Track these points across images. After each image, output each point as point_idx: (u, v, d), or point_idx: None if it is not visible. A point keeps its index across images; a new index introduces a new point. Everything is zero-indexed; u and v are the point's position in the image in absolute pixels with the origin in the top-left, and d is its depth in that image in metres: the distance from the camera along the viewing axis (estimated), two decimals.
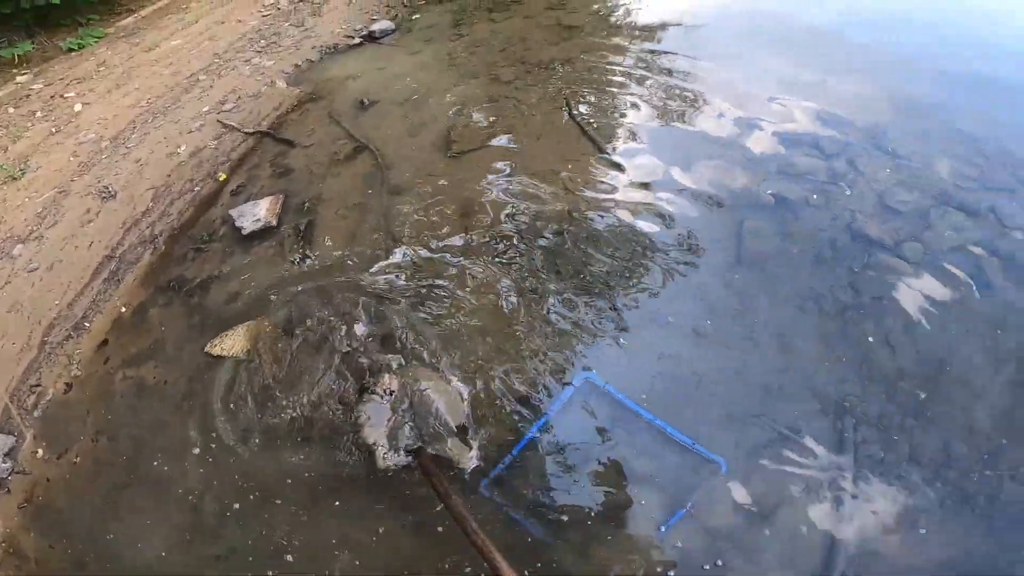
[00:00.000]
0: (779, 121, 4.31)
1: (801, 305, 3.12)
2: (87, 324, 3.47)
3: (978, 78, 4.79)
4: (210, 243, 3.89)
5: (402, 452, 2.58)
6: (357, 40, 6.22)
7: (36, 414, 3.06)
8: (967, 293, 3.16)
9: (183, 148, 4.76)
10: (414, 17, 6.74)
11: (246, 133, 4.89)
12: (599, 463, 2.61)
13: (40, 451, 2.91)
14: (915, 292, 3.15)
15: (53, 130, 4.93)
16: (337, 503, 2.56)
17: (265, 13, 6.98)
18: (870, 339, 2.96)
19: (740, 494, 2.52)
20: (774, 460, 2.61)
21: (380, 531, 2.48)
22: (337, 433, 2.75)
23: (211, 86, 5.54)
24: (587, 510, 2.49)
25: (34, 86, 5.58)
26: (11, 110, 5.28)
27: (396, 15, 6.84)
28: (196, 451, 2.78)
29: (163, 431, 2.89)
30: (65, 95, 5.41)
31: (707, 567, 2.33)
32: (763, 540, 2.40)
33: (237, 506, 2.59)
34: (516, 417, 2.75)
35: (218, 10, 7.08)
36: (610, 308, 3.12)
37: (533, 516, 2.47)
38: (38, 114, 5.14)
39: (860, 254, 3.31)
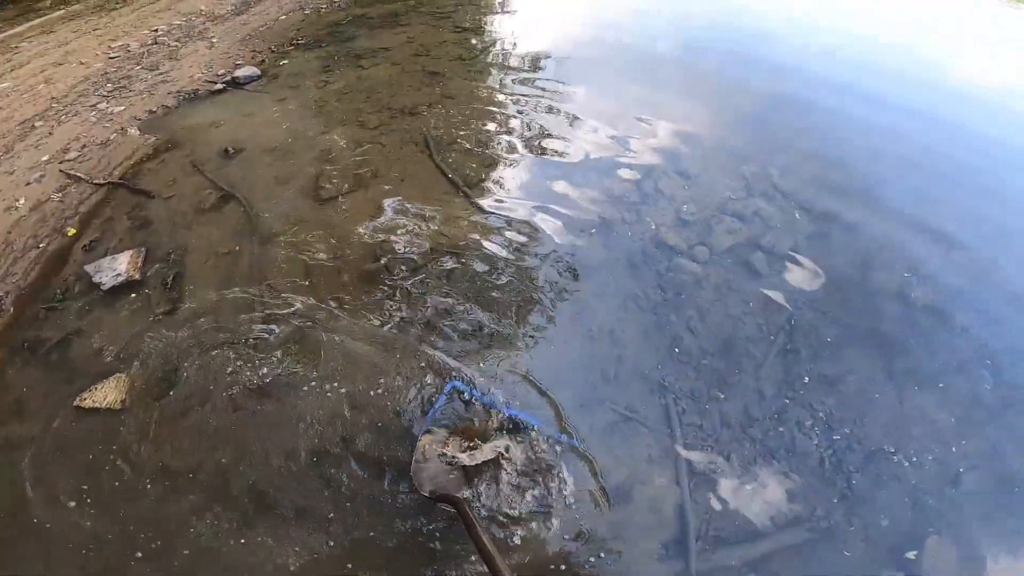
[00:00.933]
0: (606, 153, 5.19)
1: (624, 304, 3.86)
2: None
3: (776, 100, 6.07)
4: (65, 301, 3.74)
5: (428, 492, 2.72)
6: (220, 86, 6.15)
7: None
8: (741, 281, 4.05)
9: (22, 202, 4.47)
10: (281, 63, 6.82)
11: (96, 184, 4.67)
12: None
13: None
14: (704, 286, 4.04)
15: None
16: (243, 541, 2.67)
17: (113, 55, 6.66)
18: (676, 327, 3.69)
19: (600, 478, 2.88)
20: (621, 440, 3.05)
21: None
22: (232, 472, 2.86)
23: (50, 133, 5.23)
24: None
25: None
26: None
27: (263, 60, 6.87)
28: (73, 504, 2.76)
29: (39, 485, 2.84)
30: None
31: (592, 559, 2.63)
32: (628, 518, 2.75)
33: (139, 554, 2.62)
34: (398, 430, 3.08)
35: (54, 51, 6.62)
36: (475, 328, 3.61)
37: (414, 514, 2.75)
38: None
39: (663, 259, 4.16)
